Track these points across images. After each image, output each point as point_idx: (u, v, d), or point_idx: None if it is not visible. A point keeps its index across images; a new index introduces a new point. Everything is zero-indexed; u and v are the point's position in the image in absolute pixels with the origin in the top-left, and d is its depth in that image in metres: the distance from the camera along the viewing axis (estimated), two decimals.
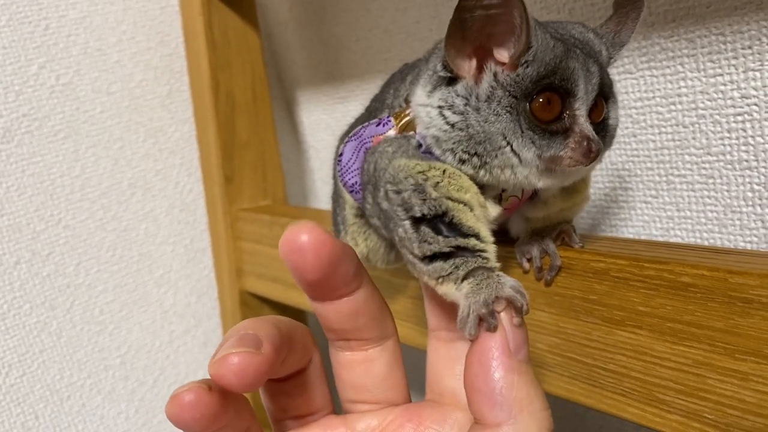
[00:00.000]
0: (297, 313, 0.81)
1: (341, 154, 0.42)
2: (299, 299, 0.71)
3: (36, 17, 0.76)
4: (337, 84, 0.86)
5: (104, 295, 0.82)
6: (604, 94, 0.38)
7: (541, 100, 0.35)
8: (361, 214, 0.46)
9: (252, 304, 0.82)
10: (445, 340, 0.38)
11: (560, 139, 0.36)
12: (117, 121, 0.82)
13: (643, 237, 0.58)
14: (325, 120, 0.91)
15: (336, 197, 0.50)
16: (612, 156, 0.58)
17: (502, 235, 0.46)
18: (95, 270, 0.81)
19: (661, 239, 0.57)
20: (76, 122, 0.79)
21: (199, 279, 0.88)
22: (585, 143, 0.35)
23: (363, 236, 0.47)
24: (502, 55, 0.35)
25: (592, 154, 0.35)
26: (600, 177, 0.59)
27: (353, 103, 0.84)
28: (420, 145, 0.39)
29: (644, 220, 0.57)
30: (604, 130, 0.38)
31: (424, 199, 0.36)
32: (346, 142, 0.42)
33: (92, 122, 0.80)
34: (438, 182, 0.36)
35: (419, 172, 0.37)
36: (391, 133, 0.40)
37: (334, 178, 0.49)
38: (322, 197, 0.96)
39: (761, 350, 0.34)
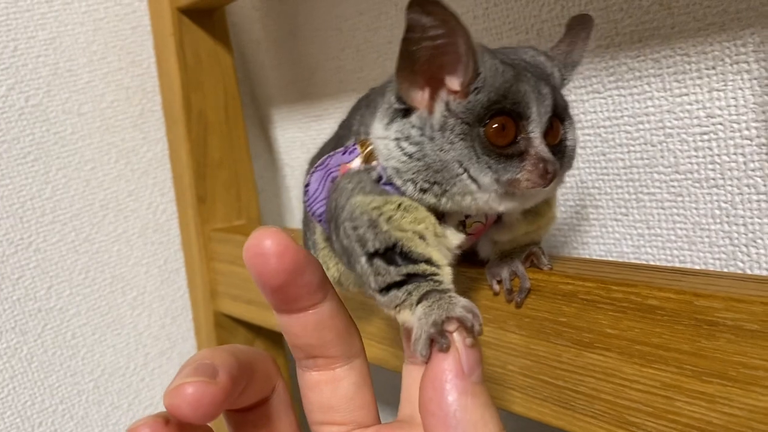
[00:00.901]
0: (272, 335, 0.80)
1: (308, 185, 0.42)
2: (274, 321, 0.70)
3: (4, 38, 0.75)
4: (312, 102, 0.86)
5: (77, 318, 0.80)
6: (559, 115, 0.38)
7: (495, 125, 0.35)
8: None
9: (227, 325, 0.81)
10: (419, 364, 0.38)
11: (516, 162, 0.36)
12: (88, 142, 0.81)
13: (614, 254, 0.58)
14: (300, 138, 0.90)
15: (306, 221, 0.50)
16: (582, 174, 0.58)
17: (473, 257, 0.46)
18: (67, 293, 0.80)
19: (632, 256, 0.57)
20: (47, 144, 0.78)
21: (173, 300, 0.87)
22: (541, 165, 0.35)
23: (334, 260, 0.47)
24: (453, 83, 0.36)
25: (548, 176, 0.35)
26: (571, 195, 0.60)
27: (328, 121, 0.84)
28: (380, 178, 0.39)
29: (615, 238, 0.58)
30: (561, 151, 0.38)
31: (376, 234, 0.36)
32: (312, 172, 0.42)
33: (63, 144, 0.79)
34: (391, 216, 0.37)
35: (374, 208, 0.37)
36: (357, 161, 0.40)
37: (304, 204, 0.49)
38: (297, 215, 0.96)
39: (726, 373, 0.34)
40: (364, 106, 0.44)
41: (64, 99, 0.79)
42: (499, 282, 0.44)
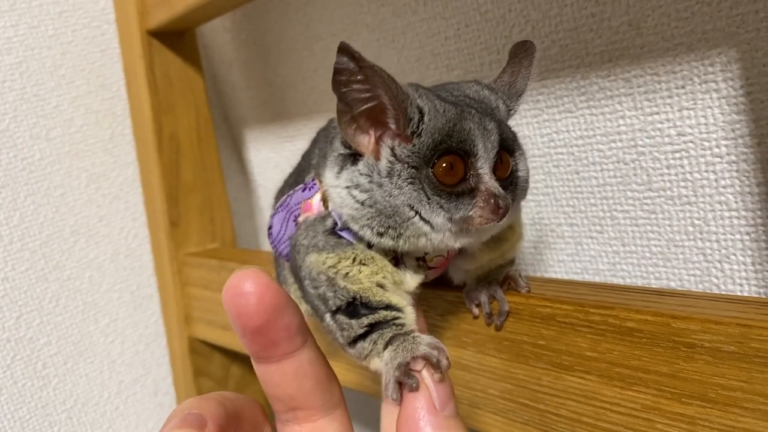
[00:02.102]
0: (249, 361, 0.79)
1: (270, 227, 0.42)
2: None
3: None
4: (285, 123, 0.85)
5: (47, 348, 0.79)
6: (508, 148, 0.38)
7: (444, 165, 0.35)
8: None
9: (202, 351, 0.79)
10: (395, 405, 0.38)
11: (467, 199, 0.35)
12: (57, 168, 0.80)
13: (590, 271, 0.58)
14: (273, 159, 0.90)
15: (276, 257, 0.49)
16: (556, 193, 0.58)
17: (448, 283, 0.46)
18: (37, 322, 0.78)
19: (608, 273, 0.57)
20: (14, 170, 0.77)
21: (147, 326, 0.86)
22: (492, 200, 0.35)
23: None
24: (393, 128, 0.36)
25: (500, 211, 0.35)
26: (546, 213, 0.60)
27: (301, 142, 0.83)
28: (335, 224, 0.39)
29: (591, 255, 0.58)
30: (513, 183, 0.38)
31: (335, 292, 0.37)
32: (274, 214, 0.42)
33: (31, 170, 0.78)
34: (347, 273, 0.37)
35: (330, 267, 0.38)
36: (317, 197, 0.40)
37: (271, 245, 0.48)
38: None
39: (706, 394, 0.34)
40: (323, 139, 0.44)
41: (32, 124, 0.78)
42: (478, 305, 0.44)
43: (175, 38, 0.78)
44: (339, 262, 0.37)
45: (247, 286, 0.30)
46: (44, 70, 0.79)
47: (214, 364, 0.80)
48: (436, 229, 0.36)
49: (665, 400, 0.36)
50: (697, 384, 0.35)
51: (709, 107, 0.48)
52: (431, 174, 0.35)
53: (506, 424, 0.45)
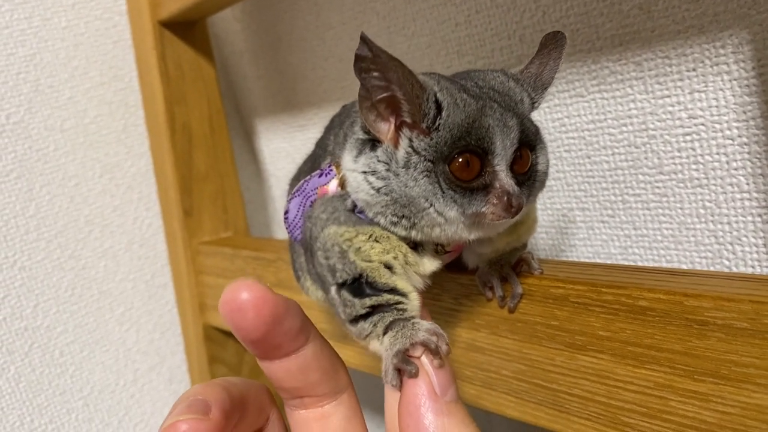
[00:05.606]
0: None
1: (287, 212, 0.43)
2: None
3: None
4: (296, 112, 0.86)
5: (64, 336, 0.80)
6: (529, 143, 0.38)
7: (460, 160, 0.35)
8: None
9: (216, 338, 0.80)
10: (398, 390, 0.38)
11: (481, 195, 0.36)
12: (72, 158, 0.80)
13: (602, 255, 0.59)
14: (285, 148, 0.90)
15: (291, 244, 0.50)
16: (568, 177, 0.59)
17: (462, 267, 0.47)
18: (54, 311, 0.79)
19: (620, 257, 0.58)
20: (29, 161, 0.78)
21: (161, 315, 0.87)
22: (505, 198, 0.35)
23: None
24: (408, 120, 0.36)
25: (513, 209, 0.35)
26: (558, 198, 0.60)
27: (312, 131, 0.84)
28: (355, 205, 0.39)
29: (603, 239, 0.58)
30: (532, 177, 0.38)
31: (345, 265, 0.38)
32: (291, 199, 0.42)
33: (46, 160, 0.79)
34: (360, 247, 0.38)
35: (346, 240, 0.38)
36: (334, 183, 0.40)
37: (286, 230, 0.49)
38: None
39: (719, 371, 0.35)
40: (338, 125, 0.44)
41: (46, 115, 0.79)
42: (491, 288, 0.45)
43: (187, 29, 0.79)
44: (356, 236, 0.38)
45: (244, 298, 0.29)
46: (58, 62, 0.80)
47: (228, 351, 0.81)
48: (449, 222, 0.36)
49: (678, 378, 0.36)
50: (710, 361, 0.35)
51: (721, 89, 0.48)
52: (447, 169, 0.35)
53: (519, 404, 0.45)
